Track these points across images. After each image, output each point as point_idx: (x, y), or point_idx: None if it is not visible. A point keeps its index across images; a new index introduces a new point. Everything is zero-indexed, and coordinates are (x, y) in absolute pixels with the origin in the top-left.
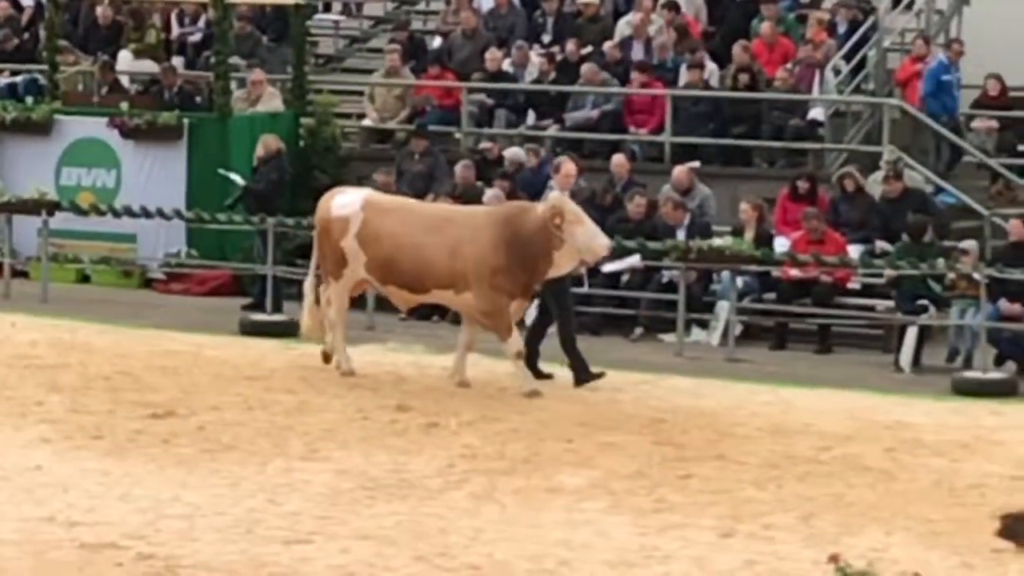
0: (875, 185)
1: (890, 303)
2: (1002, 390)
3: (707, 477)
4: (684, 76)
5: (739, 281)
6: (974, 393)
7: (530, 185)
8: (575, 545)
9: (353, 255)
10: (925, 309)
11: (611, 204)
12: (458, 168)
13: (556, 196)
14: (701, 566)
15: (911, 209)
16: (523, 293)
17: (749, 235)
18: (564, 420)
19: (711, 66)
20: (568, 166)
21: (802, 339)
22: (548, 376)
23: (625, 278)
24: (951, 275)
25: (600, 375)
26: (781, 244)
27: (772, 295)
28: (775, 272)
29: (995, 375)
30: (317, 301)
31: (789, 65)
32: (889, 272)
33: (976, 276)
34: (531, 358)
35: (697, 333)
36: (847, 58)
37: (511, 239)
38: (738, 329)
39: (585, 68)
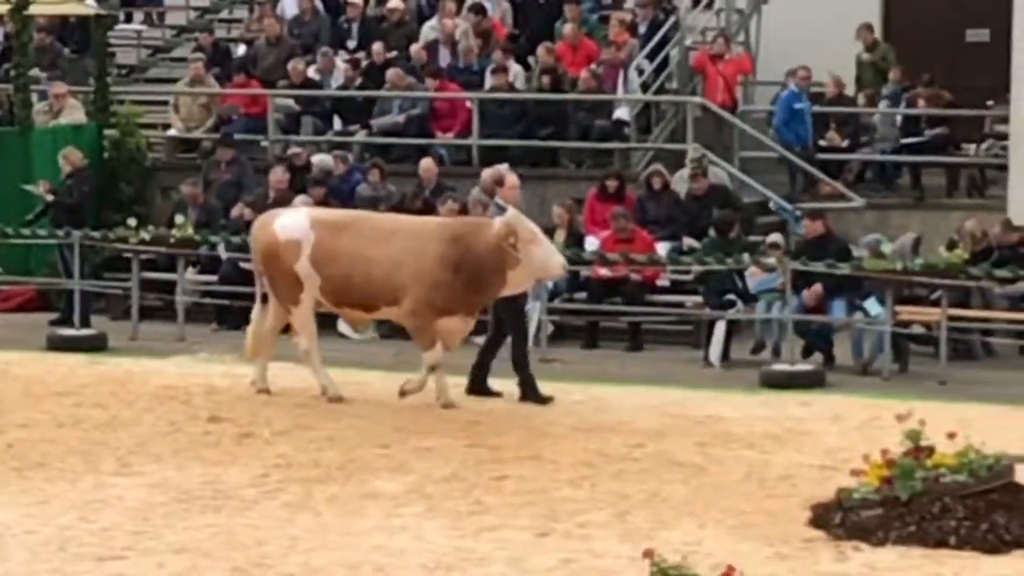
0: (681, 183)
1: (698, 299)
2: (810, 381)
3: (522, 477)
4: (489, 79)
5: (549, 282)
6: (782, 385)
7: (340, 192)
8: (391, 550)
9: (308, 278)
10: (732, 304)
11: (421, 209)
12: (274, 175)
13: (511, 214)
14: (517, 566)
15: (717, 205)
16: (467, 310)
17: (561, 236)
18: (379, 426)
19: (516, 69)
20: (511, 178)
21: (613, 337)
22: (497, 394)
23: None
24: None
25: (549, 399)
26: (590, 244)
27: (583, 294)
28: (585, 272)
29: (803, 367)
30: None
31: (593, 66)
32: (696, 268)
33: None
34: (481, 374)
35: None
36: (650, 57)
37: (460, 257)
38: (549, 329)
39: (391, 73)
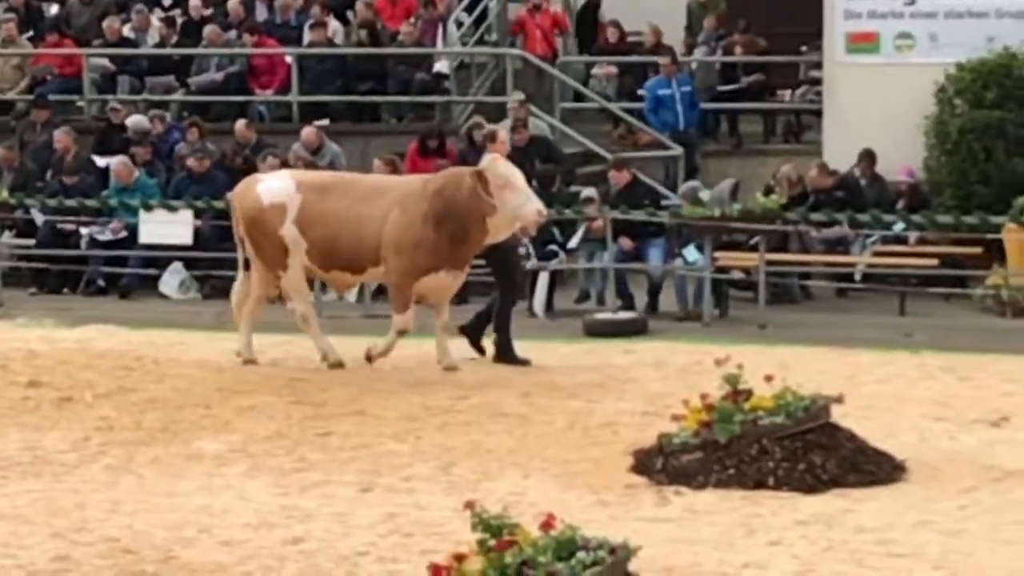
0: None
1: (521, 250)
2: (632, 329)
3: (347, 433)
4: (308, 35)
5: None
6: (606, 334)
7: (159, 152)
8: (215, 511)
9: (294, 242)
10: (555, 255)
11: (243, 166)
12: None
13: (488, 158)
14: (342, 522)
15: (538, 157)
16: (454, 264)
17: None
18: (201, 386)
19: (335, 24)
20: (502, 133)
21: None
22: (526, 362)
23: None
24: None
25: (526, 362)
26: None
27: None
28: None
29: (625, 315)
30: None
31: (412, 19)
32: None
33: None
34: (507, 344)
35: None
36: (469, 10)
37: (442, 210)
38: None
39: (208, 30)
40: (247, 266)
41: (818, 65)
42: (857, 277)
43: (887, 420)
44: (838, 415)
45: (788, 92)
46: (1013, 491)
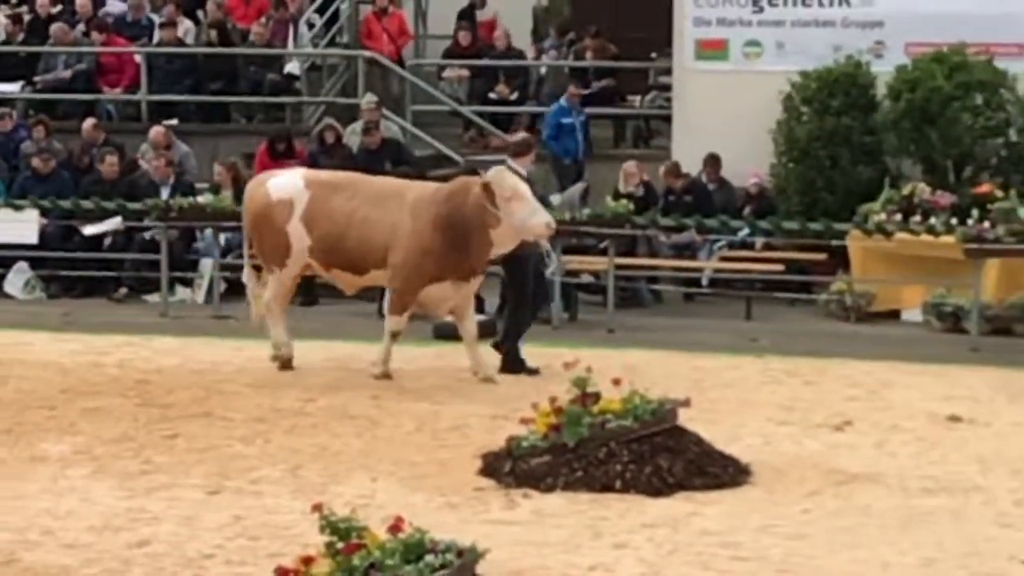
0: (353, 136)
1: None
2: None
3: (194, 436)
4: (158, 33)
5: (222, 238)
6: (455, 337)
7: (4, 150)
8: (60, 513)
9: (298, 239)
10: None
11: (88, 166)
12: None
13: (492, 171)
14: (189, 525)
15: (389, 159)
16: (457, 275)
17: (227, 192)
18: (46, 388)
19: (186, 23)
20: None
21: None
22: (535, 371)
23: (108, 240)
24: None
25: (535, 371)
26: None
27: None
28: None
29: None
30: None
31: (263, 19)
32: None
33: None
34: (515, 353)
35: (182, 292)
36: (320, 11)
37: (448, 218)
38: (222, 286)
39: (55, 28)
40: (258, 267)
41: (667, 71)
42: (704, 282)
43: (733, 424)
44: (685, 418)
45: (638, 98)
46: (855, 494)
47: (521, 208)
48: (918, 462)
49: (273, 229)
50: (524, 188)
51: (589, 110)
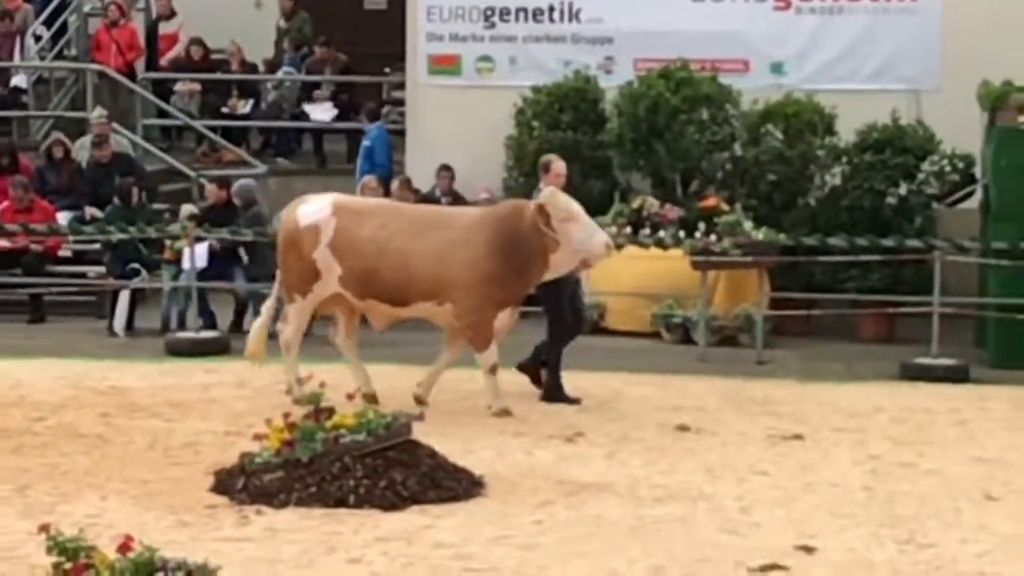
0: (82, 151)
1: (102, 269)
2: (214, 348)
3: None
4: None
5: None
6: (188, 353)
7: None
8: None
9: (326, 267)
10: (137, 273)
11: None
12: None
13: (547, 192)
14: None
15: (119, 173)
16: (516, 301)
17: None
18: None
19: None
20: (558, 164)
21: (15, 310)
22: (576, 401)
23: None
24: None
25: (576, 400)
26: None
27: None
28: None
29: (207, 334)
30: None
31: None
32: (100, 238)
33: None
34: (556, 383)
35: None
36: (48, 24)
37: (506, 242)
38: None
39: None
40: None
41: (401, 86)
42: None
43: (466, 436)
44: (419, 432)
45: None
46: (586, 504)
47: (579, 230)
48: (648, 471)
49: (301, 255)
50: (578, 208)
51: (323, 124)
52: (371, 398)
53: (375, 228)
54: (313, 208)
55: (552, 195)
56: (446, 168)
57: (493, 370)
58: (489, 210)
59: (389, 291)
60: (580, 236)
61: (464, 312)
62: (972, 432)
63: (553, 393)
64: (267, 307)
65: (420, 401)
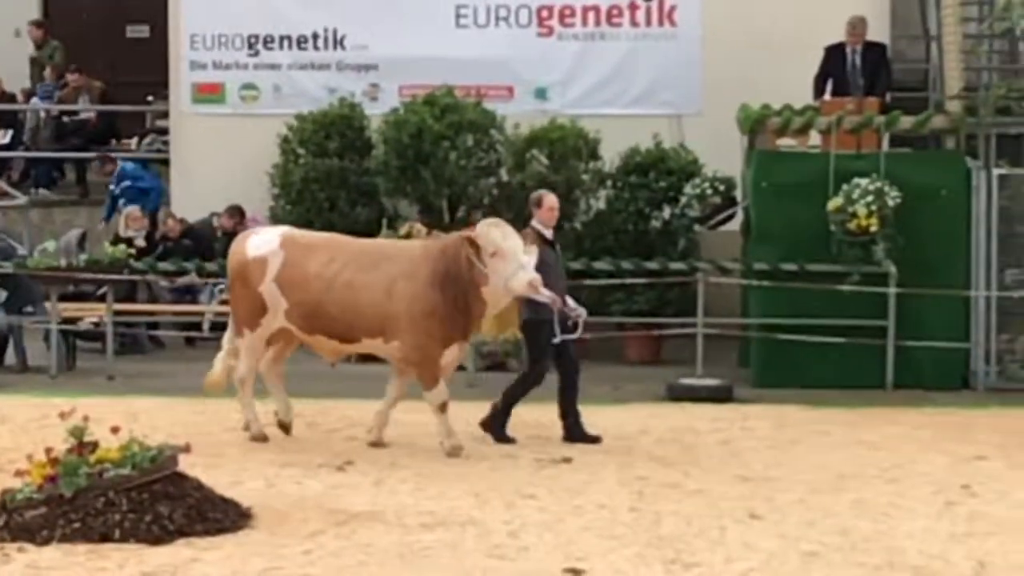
0: None
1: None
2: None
3: None
4: None
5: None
6: None
7: None
8: None
9: (273, 301)
10: None
11: None
12: None
13: (480, 225)
14: None
15: None
16: (462, 335)
17: None
18: None
19: None
20: (550, 199)
21: None
22: (596, 439)
23: None
24: None
25: (596, 438)
26: None
27: None
28: None
29: None
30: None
31: None
32: None
33: None
34: (575, 421)
35: None
36: None
37: (445, 274)
38: None
39: None
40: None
41: (165, 115)
42: (205, 326)
43: (235, 468)
44: (186, 464)
45: (135, 140)
46: (357, 532)
47: (504, 266)
48: (417, 498)
49: (248, 288)
50: (510, 244)
51: (84, 155)
52: (285, 428)
53: (323, 263)
54: (262, 240)
55: (483, 226)
56: (237, 209)
57: (443, 408)
58: (434, 242)
59: (336, 327)
60: (505, 272)
61: (410, 350)
62: (736, 451)
63: (497, 432)
64: (228, 338)
65: (377, 444)
